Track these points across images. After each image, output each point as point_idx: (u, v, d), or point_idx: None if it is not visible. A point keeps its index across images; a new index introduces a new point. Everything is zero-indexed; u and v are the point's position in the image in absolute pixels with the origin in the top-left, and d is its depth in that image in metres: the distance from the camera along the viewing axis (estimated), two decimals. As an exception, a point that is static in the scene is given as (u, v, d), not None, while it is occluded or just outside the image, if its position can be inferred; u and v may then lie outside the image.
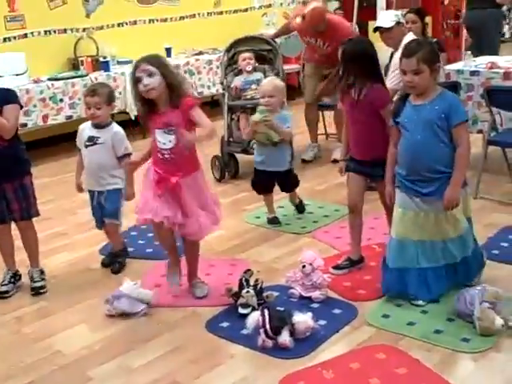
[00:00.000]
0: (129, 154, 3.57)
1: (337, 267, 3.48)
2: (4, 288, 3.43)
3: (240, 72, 5.36)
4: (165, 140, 3.06)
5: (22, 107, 3.47)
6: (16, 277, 3.52)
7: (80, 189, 3.72)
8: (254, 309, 3.03)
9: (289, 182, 4.31)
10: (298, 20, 5.45)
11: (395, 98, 3.35)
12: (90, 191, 3.66)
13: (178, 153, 3.06)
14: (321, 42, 5.42)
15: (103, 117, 3.55)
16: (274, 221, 4.25)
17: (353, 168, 3.41)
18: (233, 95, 5.29)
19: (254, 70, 5.26)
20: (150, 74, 2.96)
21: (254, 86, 5.15)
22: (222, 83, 5.45)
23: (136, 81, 2.99)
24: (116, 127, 3.61)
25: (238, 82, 5.26)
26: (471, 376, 2.58)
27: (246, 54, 5.28)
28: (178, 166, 3.08)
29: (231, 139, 5.34)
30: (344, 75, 3.21)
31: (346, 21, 5.99)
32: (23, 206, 3.41)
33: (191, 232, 3.14)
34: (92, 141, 3.57)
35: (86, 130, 3.62)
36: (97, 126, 3.57)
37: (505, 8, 7.23)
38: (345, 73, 3.20)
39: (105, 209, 3.60)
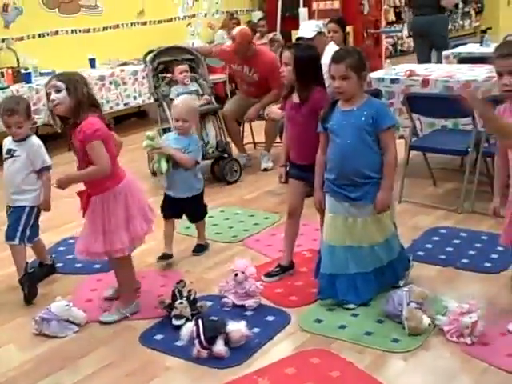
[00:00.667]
0: (48, 167, 3.48)
1: (268, 275, 3.51)
2: None
3: (173, 82, 5.42)
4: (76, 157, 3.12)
5: None
6: None
7: None
8: (188, 319, 3.01)
9: (195, 210, 3.93)
10: (228, 43, 5.68)
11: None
12: (7, 206, 3.56)
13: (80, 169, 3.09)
14: (247, 68, 5.57)
15: (25, 133, 3.45)
16: (164, 257, 3.80)
17: (294, 174, 3.44)
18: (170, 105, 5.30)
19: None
20: (58, 90, 2.93)
21: (193, 96, 5.21)
22: (153, 93, 5.43)
23: (47, 97, 3.00)
24: (34, 139, 3.49)
25: (175, 92, 5.30)
26: (402, 375, 2.66)
27: (182, 67, 5.35)
28: (89, 183, 3.08)
29: None
30: (298, 79, 3.24)
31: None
32: None
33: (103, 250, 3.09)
34: (9, 153, 3.47)
35: (7, 142, 3.52)
36: (17, 140, 3.47)
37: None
38: (298, 76, 3.23)
39: (8, 228, 3.49)
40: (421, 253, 3.73)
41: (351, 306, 3.10)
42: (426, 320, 2.89)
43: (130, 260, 3.25)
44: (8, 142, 3.52)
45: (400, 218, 4.23)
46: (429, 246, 3.84)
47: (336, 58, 2.90)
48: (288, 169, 3.49)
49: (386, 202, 2.97)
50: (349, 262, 3.06)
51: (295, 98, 3.30)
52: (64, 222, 4.48)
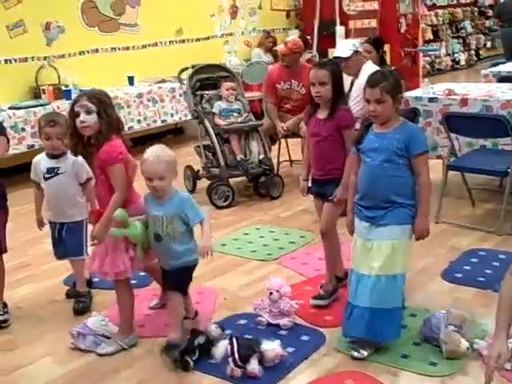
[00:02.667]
0: (91, 178, 3.50)
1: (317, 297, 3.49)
2: None
3: (213, 99, 5.56)
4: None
5: (8, 139, 3.43)
6: None
7: (41, 224, 3.67)
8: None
9: (176, 280, 3.05)
10: (281, 46, 5.78)
11: (358, 126, 3.42)
12: (50, 222, 3.61)
13: (98, 191, 3.11)
14: (295, 83, 5.65)
15: (63, 147, 3.46)
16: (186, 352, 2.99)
17: (314, 191, 3.46)
18: (212, 121, 5.41)
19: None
20: (88, 112, 2.91)
21: (235, 114, 5.46)
22: (194, 110, 5.51)
23: (74, 115, 2.95)
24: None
25: (218, 108, 5.43)
26: (439, 399, 2.62)
27: (230, 84, 5.49)
28: (102, 202, 3.07)
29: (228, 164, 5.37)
30: (333, 96, 3.25)
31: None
32: None
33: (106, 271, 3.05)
34: (52, 172, 3.49)
35: (41, 162, 3.53)
36: (53, 157, 3.50)
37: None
38: (334, 94, 3.24)
39: (66, 245, 3.54)
40: (459, 275, 3.67)
41: (355, 352, 2.92)
42: (465, 344, 2.84)
43: (129, 285, 3.16)
44: (43, 161, 3.52)
45: (438, 238, 4.21)
46: (467, 267, 3.78)
47: (371, 82, 2.87)
48: (309, 184, 3.50)
49: (423, 229, 2.90)
50: (357, 292, 2.93)
51: (320, 114, 3.32)
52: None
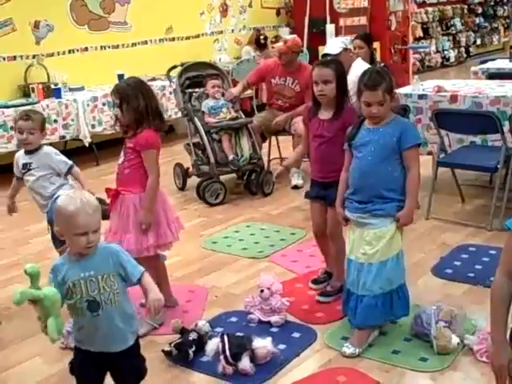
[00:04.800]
0: (72, 166, 3.55)
1: (315, 281, 3.50)
2: None
3: (202, 97, 5.56)
4: (121, 155, 3.25)
5: None
6: None
7: (11, 209, 3.67)
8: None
9: (135, 367, 2.39)
10: (280, 44, 5.74)
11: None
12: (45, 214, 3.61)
13: (122, 169, 3.23)
14: (290, 79, 5.63)
15: (35, 143, 3.50)
16: None
17: (313, 195, 3.43)
18: (202, 119, 5.41)
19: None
20: (115, 104, 3.14)
21: (224, 110, 5.44)
22: (183, 108, 5.50)
23: (114, 105, 3.20)
24: (45, 149, 3.56)
25: (206, 106, 5.44)
26: (430, 395, 2.62)
27: (215, 81, 5.48)
28: (122, 181, 3.22)
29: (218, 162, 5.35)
30: (337, 95, 3.21)
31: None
32: None
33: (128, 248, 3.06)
34: (26, 168, 3.53)
35: (20, 158, 3.58)
36: (28, 152, 3.53)
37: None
38: (339, 93, 3.21)
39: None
40: (449, 270, 3.68)
41: (347, 349, 2.92)
42: (455, 339, 2.84)
43: (157, 263, 3.30)
44: (21, 157, 3.56)
45: (428, 234, 4.22)
46: (457, 263, 3.79)
47: (371, 85, 2.81)
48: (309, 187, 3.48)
49: (408, 220, 2.91)
50: (359, 281, 2.95)
51: (323, 115, 3.27)
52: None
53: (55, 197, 3.48)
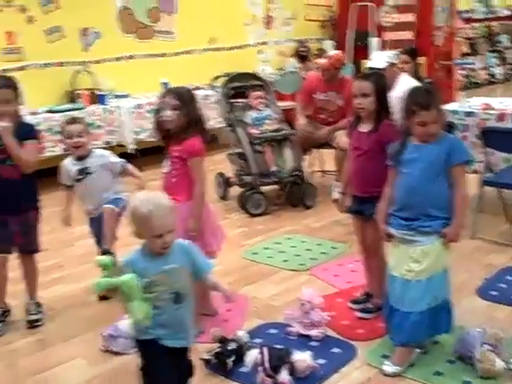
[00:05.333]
0: (125, 162, 3.65)
1: (355, 301, 3.48)
2: None
3: (246, 107, 5.57)
4: (166, 164, 3.27)
5: (40, 143, 3.55)
6: (5, 313, 3.45)
7: (67, 221, 3.72)
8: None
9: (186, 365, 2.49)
10: (323, 60, 5.74)
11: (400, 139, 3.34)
12: (91, 220, 3.70)
13: (168, 178, 3.26)
14: (333, 94, 5.62)
15: (86, 146, 3.57)
16: None
17: (352, 209, 3.40)
18: (245, 130, 5.43)
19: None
20: (173, 108, 3.13)
21: (268, 121, 5.46)
22: (227, 118, 5.53)
23: (158, 109, 3.20)
24: (98, 151, 3.65)
25: (249, 117, 5.46)
26: (473, 419, 2.57)
27: (257, 93, 5.51)
28: (169, 190, 3.18)
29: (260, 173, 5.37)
30: (376, 109, 3.20)
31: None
32: (26, 240, 3.41)
33: None
34: (83, 173, 3.60)
35: (70, 165, 3.64)
36: (80, 159, 3.59)
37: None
38: (378, 106, 3.19)
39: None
40: (494, 292, 3.61)
41: (388, 368, 2.89)
42: (500, 363, 2.78)
43: None
44: (71, 165, 3.63)
45: (473, 255, 4.15)
46: (503, 285, 3.71)
47: (424, 105, 2.78)
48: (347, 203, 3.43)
49: (455, 237, 2.87)
50: (404, 298, 2.90)
51: (363, 128, 3.26)
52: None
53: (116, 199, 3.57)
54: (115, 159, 3.64)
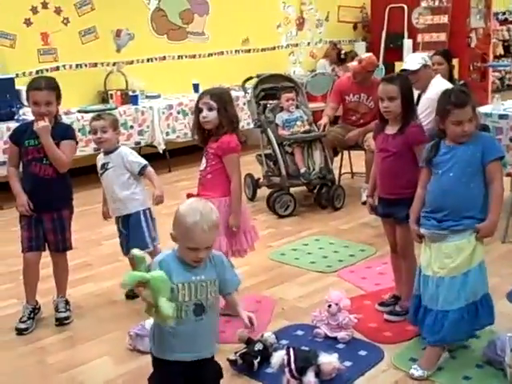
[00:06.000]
0: (145, 166, 3.59)
1: (382, 304, 3.45)
2: (23, 326, 3.38)
3: (276, 109, 5.57)
4: (202, 162, 3.33)
5: (77, 143, 3.58)
6: (35, 311, 3.49)
7: (105, 216, 3.76)
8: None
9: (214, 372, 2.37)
10: (354, 63, 5.70)
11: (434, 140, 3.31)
12: (115, 218, 3.71)
13: (204, 175, 3.32)
14: (364, 96, 5.62)
15: (109, 141, 3.58)
16: None
17: (380, 212, 3.38)
18: (275, 131, 5.43)
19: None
20: (210, 108, 3.21)
21: (298, 123, 5.44)
22: (257, 119, 5.53)
23: (198, 111, 3.27)
24: (122, 148, 3.65)
25: (280, 119, 5.46)
26: (502, 425, 2.52)
27: (289, 94, 5.48)
28: (204, 186, 3.30)
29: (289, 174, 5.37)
30: (402, 111, 3.18)
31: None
32: (58, 238, 3.46)
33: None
34: (104, 168, 3.63)
35: (99, 159, 3.70)
36: (106, 153, 3.63)
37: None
38: (404, 109, 3.18)
39: (129, 239, 3.58)
40: (526, 297, 3.54)
41: (415, 371, 2.84)
42: (531, 369, 2.72)
43: None
44: (100, 159, 3.69)
45: (504, 258, 4.08)
46: (534, 290, 3.63)
47: (459, 103, 2.77)
48: (375, 203, 3.41)
49: (489, 232, 2.82)
50: (439, 297, 2.87)
51: (389, 130, 3.25)
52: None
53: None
54: (135, 159, 3.59)
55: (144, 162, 3.61)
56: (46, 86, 3.30)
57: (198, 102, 3.30)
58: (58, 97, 3.38)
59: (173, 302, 2.09)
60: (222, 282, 2.24)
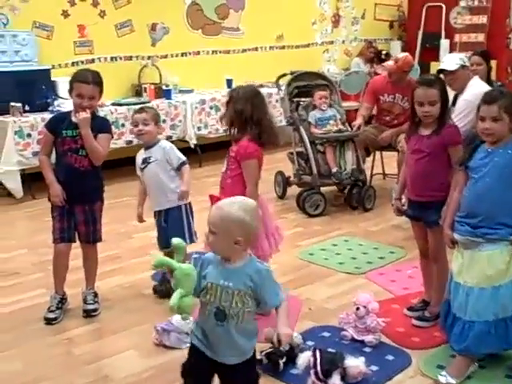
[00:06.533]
0: (184, 162, 3.61)
1: (411, 309, 3.41)
2: (51, 315, 3.41)
3: (309, 107, 5.53)
4: (224, 163, 3.28)
5: (112, 137, 3.62)
6: (63, 301, 3.53)
7: (140, 218, 3.76)
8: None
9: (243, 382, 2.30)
10: (390, 63, 5.63)
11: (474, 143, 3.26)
12: (154, 213, 3.72)
13: (224, 178, 3.26)
14: (399, 96, 5.55)
15: (150, 134, 3.59)
16: None
17: (411, 215, 3.33)
18: (307, 129, 5.40)
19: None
20: (227, 103, 3.21)
21: (331, 122, 5.41)
22: (290, 117, 5.50)
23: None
24: (164, 142, 3.67)
25: (313, 117, 5.43)
26: None
27: (322, 92, 5.45)
28: (224, 190, 3.22)
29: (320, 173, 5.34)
30: (443, 110, 3.14)
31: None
32: (90, 230, 3.49)
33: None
34: (145, 162, 3.64)
35: (139, 155, 3.71)
36: (147, 148, 3.64)
37: None
38: (442, 111, 3.13)
39: (168, 233, 3.55)
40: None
41: (444, 379, 2.79)
42: None
43: None
44: (140, 154, 3.70)
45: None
46: None
47: (488, 99, 2.74)
48: (405, 206, 3.35)
49: None
50: (467, 306, 2.82)
51: (423, 131, 3.19)
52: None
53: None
54: (175, 155, 3.61)
55: (183, 158, 3.64)
56: (93, 81, 3.34)
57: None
58: (101, 92, 3.42)
59: (192, 298, 2.13)
60: (260, 299, 2.14)
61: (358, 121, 5.57)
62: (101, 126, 3.44)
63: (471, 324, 2.78)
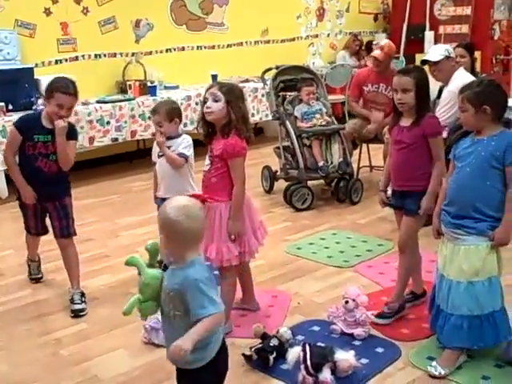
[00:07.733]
0: (181, 154, 3.64)
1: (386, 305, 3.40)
2: (39, 275, 3.75)
3: (295, 101, 5.53)
4: (206, 162, 3.18)
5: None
6: (39, 262, 3.81)
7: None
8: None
9: None
10: (378, 52, 5.60)
11: (445, 135, 3.29)
12: (161, 200, 3.67)
13: (208, 177, 3.15)
14: (383, 86, 5.54)
15: (169, 133, 3.66)
16: None
17: (394, 204, 3.34)
18: (294, 124, 5.40)
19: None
20: (215, 100, 3.03)
21: (318, 116, 5.41)
22: (276, 111, 5.49)
23: (203, 101, 3.12)
24: (183, 136, 3.72)
25: (299, 111, 5.43)
26: (521, 428, 2.47)
27: (310, 88, 5.44)
28: (208, 188, 3.13)
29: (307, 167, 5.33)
30: (417, 103, 3.14)
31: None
32: (63, 223, 3.55)
33: (210, 258, 3.10)
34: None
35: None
36: (168, 138, 3.68)
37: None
38: (418, 101, 3.14)
39: None
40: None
41: (434, 370, 2.80)
42: (552, 370, 2.67)
43: (234, 275, 3.24)
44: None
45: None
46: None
47: (463, 89, 2.81)
48: (389, 196, 3.37)
49: (504, 239, 2.76)
50: (448, 299, 2.84)
51: (404, 122, 3.21)
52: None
53: None
54: (182, 149, 3.66)
55: (185, 154, 3.67)
56: (74, 92, 3.38)
57: (205, 91, 3.11)
58: (77, 100, 3.49)
59: (154, 303, 2.11)
60: (185, 306, 2.02)
61: (372, 126, 5.54)
62: (71, 132, 3.47)
63: (449, 316, 2.81)
